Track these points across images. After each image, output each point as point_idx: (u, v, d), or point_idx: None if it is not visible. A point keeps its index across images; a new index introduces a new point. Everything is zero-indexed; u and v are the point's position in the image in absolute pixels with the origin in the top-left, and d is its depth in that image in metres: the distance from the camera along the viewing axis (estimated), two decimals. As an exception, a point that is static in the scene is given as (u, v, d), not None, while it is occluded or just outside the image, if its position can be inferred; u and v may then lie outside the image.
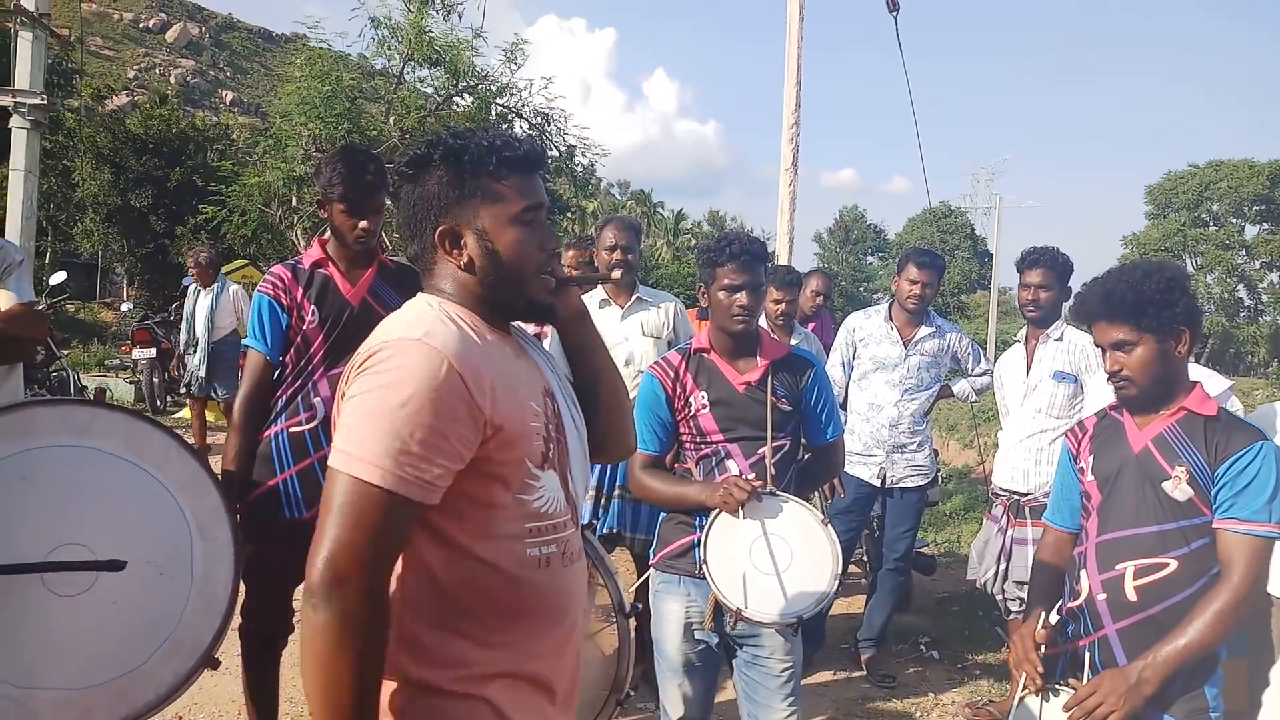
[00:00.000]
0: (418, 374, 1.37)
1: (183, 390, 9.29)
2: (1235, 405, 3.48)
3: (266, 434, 3.09)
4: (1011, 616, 4.26)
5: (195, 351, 8.94)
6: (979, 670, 4.99)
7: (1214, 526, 2.23)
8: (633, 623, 2.13)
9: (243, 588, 2.89)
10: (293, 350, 3.09)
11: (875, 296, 51.95)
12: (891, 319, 4.76)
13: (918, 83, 7.17)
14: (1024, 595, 4.11)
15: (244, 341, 3.17)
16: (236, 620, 2.86)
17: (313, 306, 3.08)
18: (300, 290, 3.09)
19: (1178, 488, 2.25)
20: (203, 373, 8.88)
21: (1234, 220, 51.55)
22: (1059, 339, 4.20)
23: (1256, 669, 3.41)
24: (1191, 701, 2.25)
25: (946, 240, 50.84)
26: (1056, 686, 2.35)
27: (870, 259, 63.47)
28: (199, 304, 8.98)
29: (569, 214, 21.74)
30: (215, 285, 8.98)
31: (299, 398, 3.09)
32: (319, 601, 1.34)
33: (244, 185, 13.82)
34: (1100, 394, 3.79)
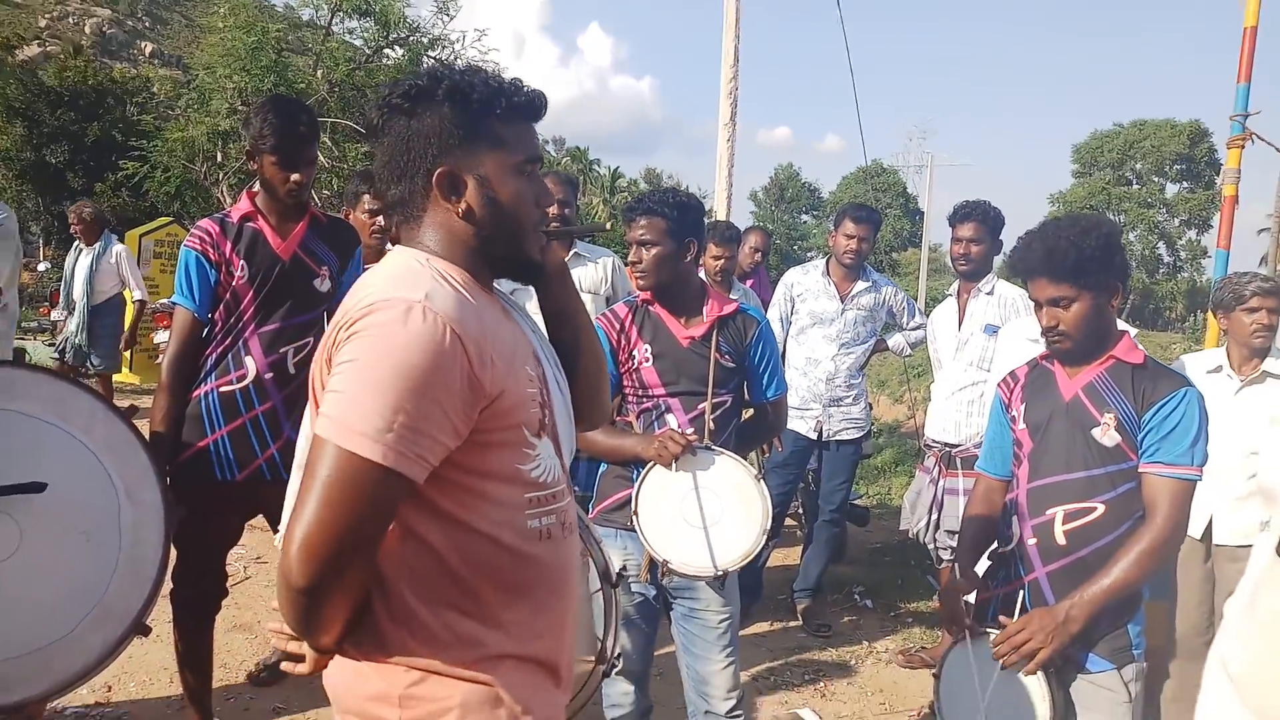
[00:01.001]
0: (420, 341, 1.26)
1: (55, 358, 8.06)
2: None
3: (196, 393, 3.01)
4: (943, 565, 4.37)
5: (73, 316, 7.87)
6: (911, 618, 5.12)
7: (1140, 470, 2.30)
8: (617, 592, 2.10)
9: (174, 552, 2.83)
10: (222, 307, 3.00)
11: (810, 254, 52.34)
12: (829, 274, 4.80)
13: (853, 41, 7.17)
14: (954, 544, 4.22)
15: (170, 299, 3.07)
16: (168, 586, 2.81)
17: (242, 261, 2.99)
18: (229, 245, 2.99)
19: (1106, 434, 2.31)
20: (80, 339, 7.81)
21: (1155, 179, 52.89)
22: (990, 293, 4.27)
23: (1173, 607, 3.55)
24: (1115, 640, 2.33)
25: (879, 198, 51.22)
26: (987, 629, 2.42)
27: (805, 217, 63.77)
28: (79, 264, 7.87)
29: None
30: (98, 244, 7.85)
31: (229, 356, 3.01)
32: (293, 581, 1.26)
33: (166, 140, 13.36)
34: (1011, 342, 3.88)
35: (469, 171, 1.43)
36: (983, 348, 4.21)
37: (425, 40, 14.18)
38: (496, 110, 1.43)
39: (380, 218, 3.00)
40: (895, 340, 5.09)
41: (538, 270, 1.58)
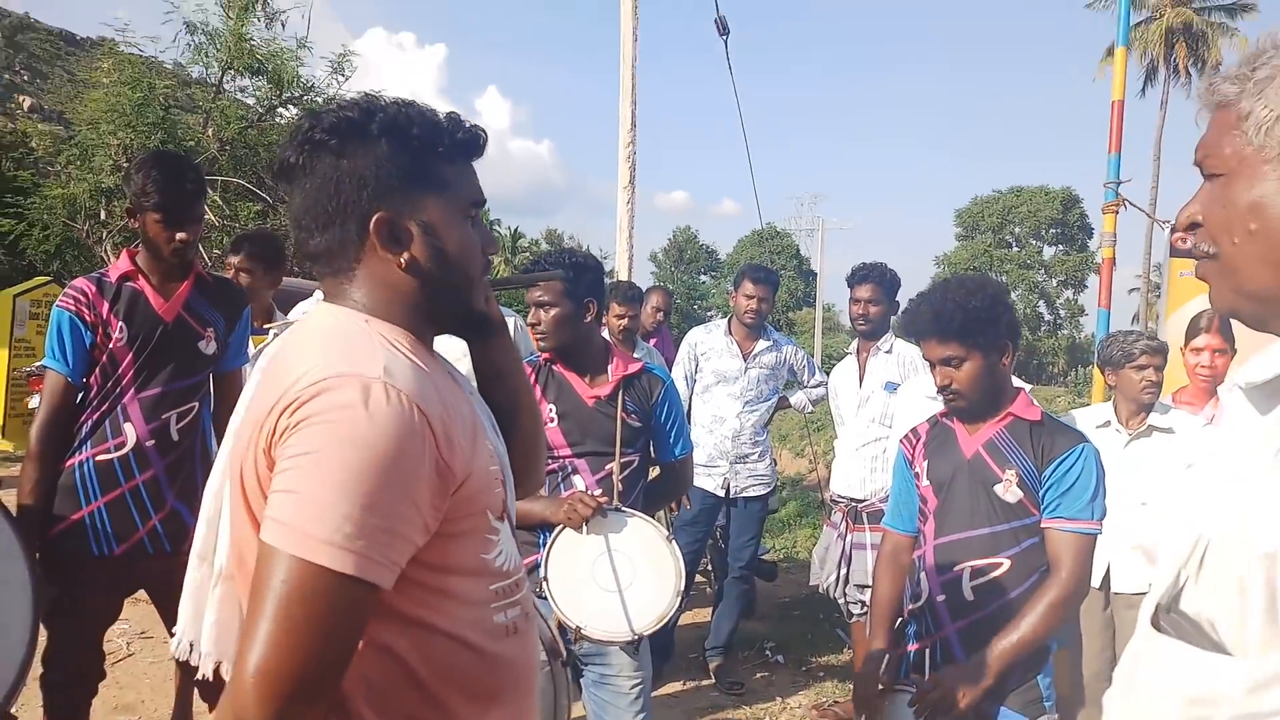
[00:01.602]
0: (387, 427, 1.07)
1: None
2: None
3: (69, 463, 2.82)
4: (854, 619, 4.37)
5: None
6: (823, 672, 5.10)
7: (1042, 526, 2.34)
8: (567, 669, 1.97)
9: (44, 633, 2.63)
10: (98, 370, 2.82)
11: (709, 313, 53.16)
12: (731, 333, 4.84)
13: (746, 107, 7.34)
14: (865, 599, 4.23)
15: (41, 362, 2.88)
16: (38, 669, 2.61)
17: (120, 323, 2.83)
18: (106, 305, 2.83)
19: (1008, 490, 2.35)
20: None
21: (1033, 241, 55.65)
22: (889, 351, 4.36)
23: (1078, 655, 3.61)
24: (1027, 692, 2.34)
25: (774, 260, 52.48)
26: (899, 688, 2.41)
27: (704, 277, 64.89)
28: None
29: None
30: None
31: (106, 422, 2.83)
32: None
33: (45, 197, 12.83)
34: (910, 400, 3.96)
35: (410, 218, 1.25)
36: (884, 404, 4.28)
37: (319, 100, 14.04)
38: (439, 148, 1.27)
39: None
40: (797, 398, 5.15)
41: (486, 325, 1.42)
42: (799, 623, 5.91)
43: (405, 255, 1.25)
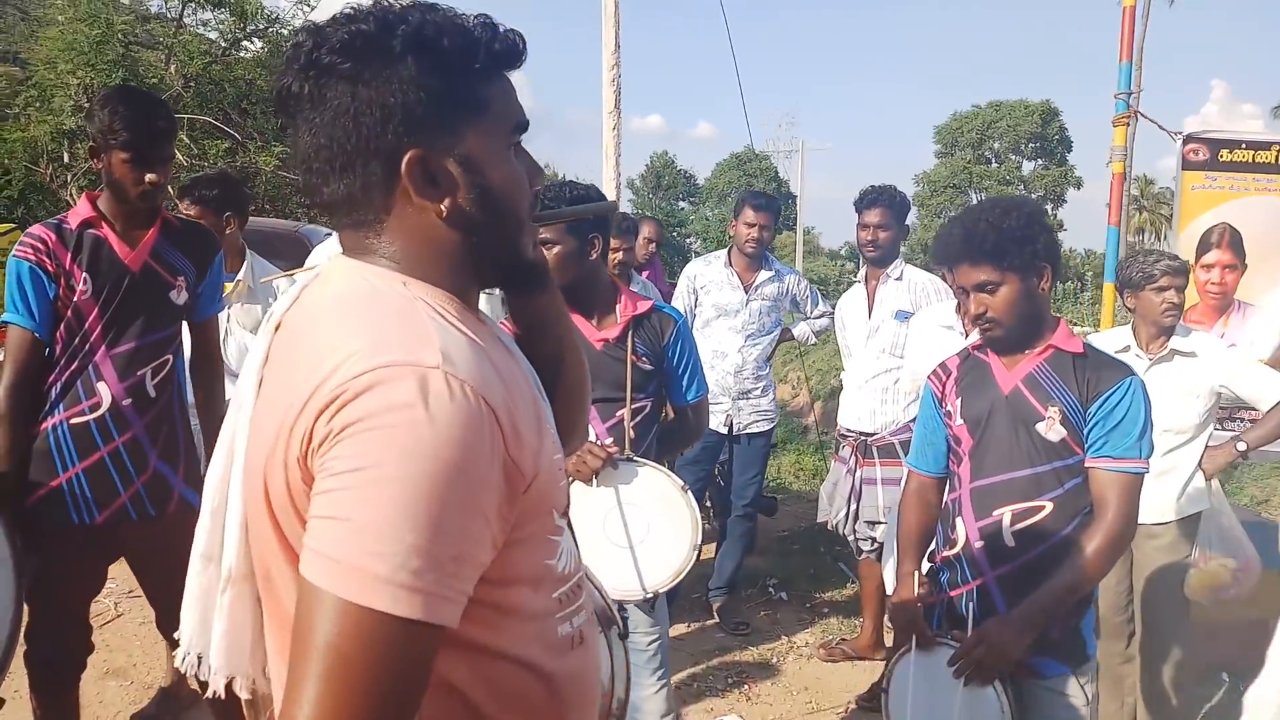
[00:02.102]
0: (455, 431, 0.88)
1: None
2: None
3: (43, 426, 2.64)
4: (862, 555, 4.28)
5: None
6: (827, 608, 5.04)
7: (1087, 465, 2.20)
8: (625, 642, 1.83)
9: (27, 608, 2.49)
10: (63, 326, 2.62)
11: (689, 239, 52.79)
12: (731, 265, 4.65)
13: (718, 29, 7.06)
14: (875, 535, 4.14)
15: (2, 317, 2.68)
16: (23, 645, 2.48)
17: (84, 274, 2.61)
18: (68, 255, 2.61)
19: (1051, 429, 2.21)
20: None
21: (1013, 157, 55.21)
22: (899, 278, 4.19)
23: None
24: (1069, 642, 2.23)
25: (753, 184, 51.91)
26: (942, 640, 2.29)
27: (682, 204, 64.23)
28: None
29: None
30: None
31: (78, 382, 2.64)
32: None
33: (6, 141, 12.38)
34: (924, 329, 3.81)
35: (448, 153, 1.01)
36: (894, 334, 4.13)
37: (285, 32, 13.55)
38: (475, 64, 1.03)
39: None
40: (800, 329, 4.98)
41: (537, 274, 1.19)
42: (801, 557, 5.84)
43: (446, 201, 1.02)
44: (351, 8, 1.01)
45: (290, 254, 5.22)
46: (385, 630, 0.83)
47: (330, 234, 4.33)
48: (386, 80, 0.98)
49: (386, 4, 1.01)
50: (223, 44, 13.59)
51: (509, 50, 1.06)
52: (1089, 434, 2.19)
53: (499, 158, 1.06)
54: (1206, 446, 3.42)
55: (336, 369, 0.90)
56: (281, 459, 0.93)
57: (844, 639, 4.54)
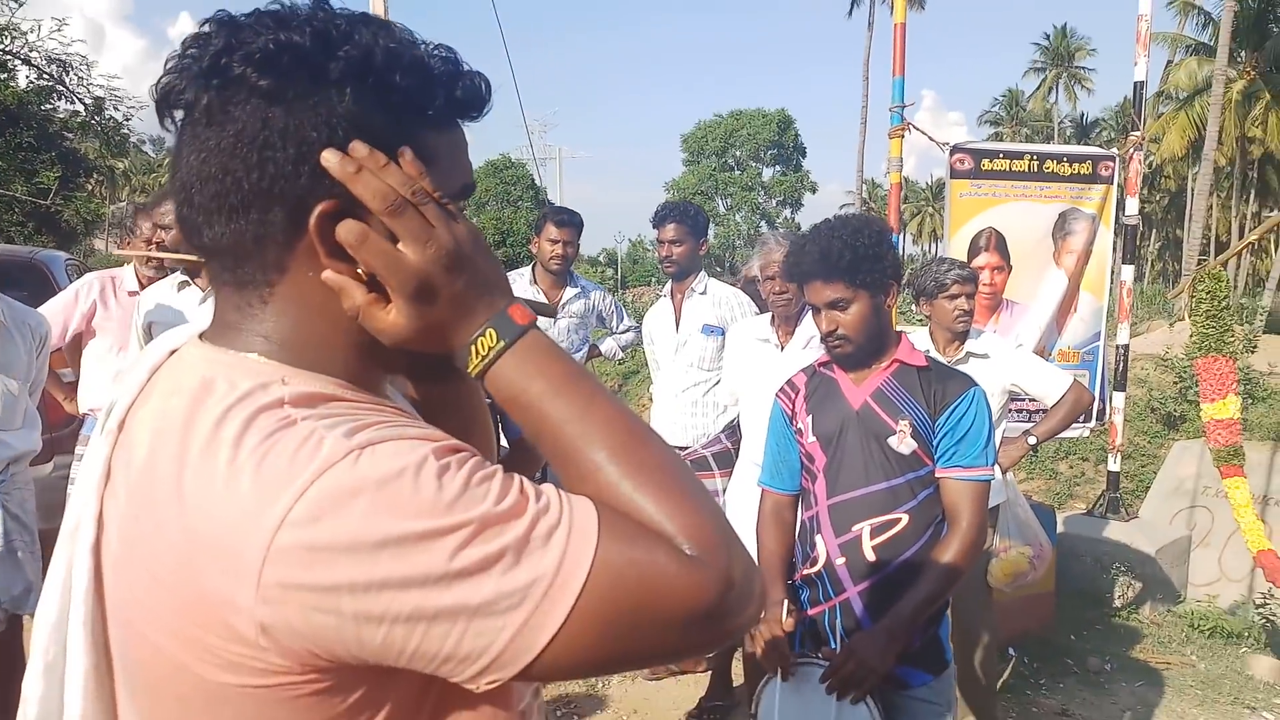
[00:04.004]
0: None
1: None
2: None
3: None
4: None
5: None
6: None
7: (938, 476, 2.26)
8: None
9: None
10: None
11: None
12: (536, 282, 4.52)
13: (483, 32, 6.93)
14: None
15: None
16: None
17: None
18: None
19: (903, 442, 2.25)
20: None
21: (754, 164, 58.20)
22: (703, 292, 4.22)
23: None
24: (930, 649, 2.28)
25: (510, 191, 51.71)
26: (805, 661, 2.28)
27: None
28: None
29: (96, 176, 18.65)
30: None
31: None
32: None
33: None
34: (739, 344, 3.84)
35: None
36: (702, 348, 4.15)
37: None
38: (427, 109, 0.82)
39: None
40: (608, 345, 4.92)
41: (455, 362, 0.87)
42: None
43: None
44: (284, 7, 0.78)
45: (28, 283, 4.61)
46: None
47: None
48: (313, 109, 0.76)
49: (330, 12, 0.79)
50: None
51: (471, 98, 0.84)
52: (938, 445, 2.26)
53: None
54: (1001, 441, 3.66)
55: (248, 536, 0.69)
56: (184, 635, 0.73)
57: (668, 655, 4.52)
